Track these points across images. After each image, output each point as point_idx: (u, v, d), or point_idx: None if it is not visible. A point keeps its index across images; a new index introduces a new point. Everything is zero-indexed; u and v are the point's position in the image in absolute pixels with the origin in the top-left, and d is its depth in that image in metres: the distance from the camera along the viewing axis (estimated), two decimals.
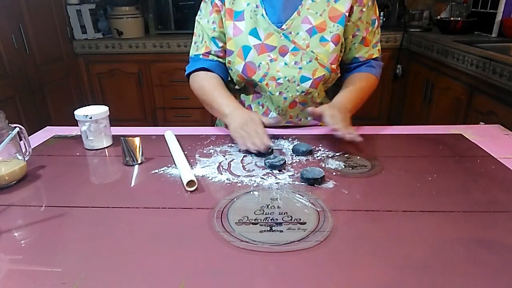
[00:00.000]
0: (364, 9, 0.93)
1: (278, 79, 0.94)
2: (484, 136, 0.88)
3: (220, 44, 0.99)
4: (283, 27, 0.92)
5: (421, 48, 2.27)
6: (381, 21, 2.75)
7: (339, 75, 1.01)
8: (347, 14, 0.91)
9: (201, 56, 1.01)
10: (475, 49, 1.70)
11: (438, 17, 2.47)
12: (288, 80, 0.94)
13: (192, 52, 1.03)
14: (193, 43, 1.04)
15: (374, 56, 1.00)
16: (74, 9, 2.60)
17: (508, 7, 2.00)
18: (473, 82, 1.73)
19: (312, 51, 0.92)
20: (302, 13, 0.92)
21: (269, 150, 0.81)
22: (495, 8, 2.06)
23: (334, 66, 0.94)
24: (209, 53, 1.00)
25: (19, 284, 0.47)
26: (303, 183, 0.69)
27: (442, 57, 2.00)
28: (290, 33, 0.92)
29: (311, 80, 0.94)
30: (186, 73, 1.04)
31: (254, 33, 0.94)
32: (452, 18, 2.34)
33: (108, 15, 2.73)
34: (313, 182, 0.68)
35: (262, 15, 0.93)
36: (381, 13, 2.75)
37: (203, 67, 0.99)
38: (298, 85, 0.94)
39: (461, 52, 1.81)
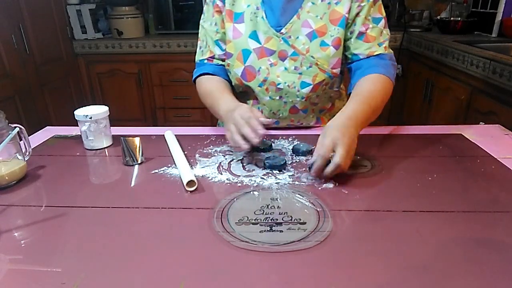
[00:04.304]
0: (362, 4, 0.88)
1: (278, 84, 0.92)
2: (484, 136, 0.88)
3: (224, 47, 0.97)
4: (282, 31, 0.90)
5: (421, 48, 2.27)
6: None
7: (343, 76, 0.97)
8: (347, 15, 0.88)
9: (205, 61, 1.00)
10: (475, 49, 1.70)
11: (438, 17, 2.47)
12: (288, 85, 0.92)
13: (198, 58, 1.02)
14: (198, 48, 1.02)
15: (376, 53, 0.90)
16: (74, 9, 2.60)
17: (508, 7, 2.00)
18: (473, 82, 1.73)
19: (312, 56, 0.89)
20: (302, 17, 0.89)
21: (268, 145, 0.82)
22: (495, 8, 2.06)
23: (335, 71, 0.91)
24: (213, 57, 0.99)
25: (19, 284, 0.47)
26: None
27: (442, 57, 2.00)
28: (290, 37, 0.90)
29: (311, 86, 0.92)
30: (192, 79, 1.03)
31: (254, 36, 0.91)
32: (452, 18, 2.34)
33: (108, 15, 2.73)
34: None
35: (262, 17, 0.90)
36: None
37: (208, 72, 0.98)
38: (298, 90, 0.92)
39: (461, 52, 1.81)
